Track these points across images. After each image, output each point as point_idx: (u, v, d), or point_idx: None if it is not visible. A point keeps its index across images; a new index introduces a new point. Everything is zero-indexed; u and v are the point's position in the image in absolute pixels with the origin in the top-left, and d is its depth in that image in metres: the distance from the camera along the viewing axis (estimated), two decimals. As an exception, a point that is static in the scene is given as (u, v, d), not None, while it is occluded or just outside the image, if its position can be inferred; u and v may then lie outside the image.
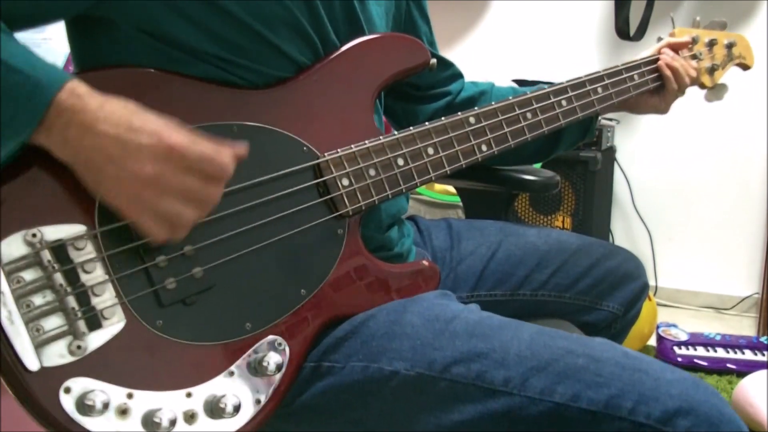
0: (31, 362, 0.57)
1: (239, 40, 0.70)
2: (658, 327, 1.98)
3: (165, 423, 0.60)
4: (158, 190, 0.59)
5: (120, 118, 0.58)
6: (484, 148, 0.85)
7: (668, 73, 1.03)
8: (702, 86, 1.12)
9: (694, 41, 1.09)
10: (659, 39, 1.09)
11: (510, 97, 0.88)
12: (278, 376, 0.68)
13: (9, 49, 0.57)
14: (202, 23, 0.69)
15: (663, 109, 1.06)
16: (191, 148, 0.59)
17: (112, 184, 0.59)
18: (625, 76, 1.00)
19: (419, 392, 0.69)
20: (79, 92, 0.58)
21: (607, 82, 0.98)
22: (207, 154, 0.60)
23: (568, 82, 0.94)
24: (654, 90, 1.05)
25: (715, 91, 1.12)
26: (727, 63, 1.12)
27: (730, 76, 1.14)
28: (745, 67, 1.16)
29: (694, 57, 1.09)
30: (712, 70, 1.10)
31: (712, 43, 1.10)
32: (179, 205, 0.60)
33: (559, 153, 1.08)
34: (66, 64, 1.44)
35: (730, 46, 1.12)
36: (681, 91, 1.06)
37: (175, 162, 0.59)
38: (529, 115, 0.89)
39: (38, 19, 0.66)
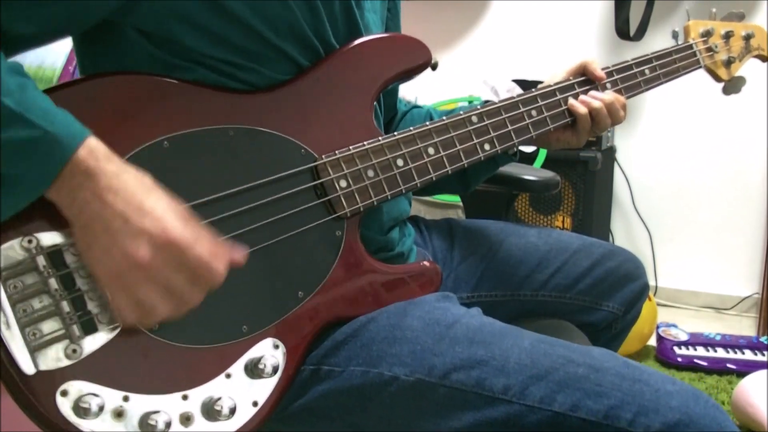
0: (28, 366, 0.58)
1: (243, 42, 0.70)
2: (658, 327, 1.98)
3: (161, 425, 0.60)
4: (143, 276, 0.58)
5: (132, 196, 0.58)
6: (487, 147, 0.84)
7: (583, 111, 0.91)
8: (718, 80, 1.09)
9: (709, 33, 1.06)
10: (674, 33, 1.06)
11: (514, 95, 0.87)
12: (275, 379, 0.67)
13: (26, 100, 0.56)
14: (205, 26, 0.68)
15: (576, 144, 0.95)
16: (191, 248, 0.59)
17: (101, 253, 0.58)
18: (636, 70, 0.98)
19: (418, 398, 0.68)
20: (97, 155, 0.57)
21: (616, 77, 0.96)
22: (204, 260, 0.59)
23: (574, 78, 0.93)
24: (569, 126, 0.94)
25: (733, 84, 1.09)
26: (744, 55, 1.10)
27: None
28: (764, 58, 1.13)
29: (709, 50, 1.06)
30: (728, 63, 1.07)
31: (728, 35, 1.07)
32: (158, 297, 0.59)
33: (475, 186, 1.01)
34: (66, 64, 1.43)
35: (747, 38, 1.09)
36: (599, 130, 0.93)
37: (170, 256, 0.58)
38: (534, 112, 0.88)
39: (67, 30, 0.67)
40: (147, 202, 0.58)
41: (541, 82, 0.95)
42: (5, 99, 0.54)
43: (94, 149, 0.57)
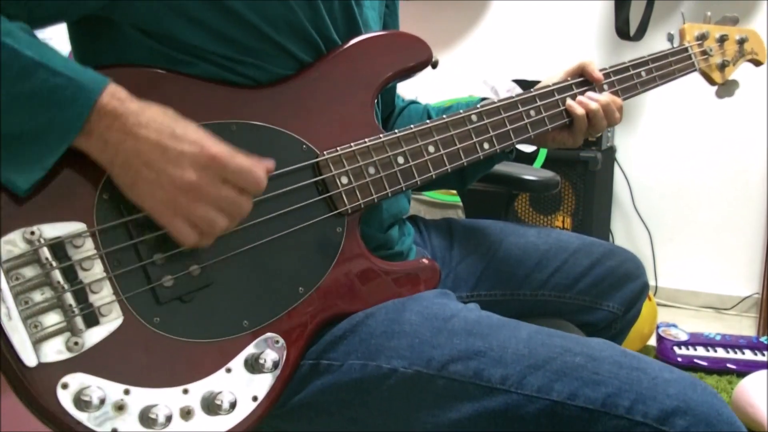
0: (29, 358, 0.58)
1: (244, 39, 0.71)
2: (658, 327, 1.98)
3: (161, 419, 0.60)
4: (194, 196, 0.60)
5: (161, 125, 0.60)
6: (486, 145, 0.84)
7: (580, 112, 0.91)
8: (712, 83, 1.10)
9: (704, 37, 1.07)
10: (670, 36, 1.08)
11: (514, 95, 0.88)
12: (275, 374, 0.68)
13: (47, 54, 0.58)
14: (205, 23, 0.69)
15: (572, 144, 0.95)
16: (231, 160, 0.61)
17: (147, 187, 0.60)
18: (632, 72, 0.99)
19: (417, 390, 0.69)
20: (120, 96, 0.59)
21: (613, 78, 0.97)
22: (245, 167, 0.62)
23: (572, 79, 0.94)
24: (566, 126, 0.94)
25: (726, 88, 1.10)
26: (738, 59, 1.11)
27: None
28: (757, 63, 1.14)
29: (704, 53, 1.07)
30: (722, 66, 1.09)
31: (722, 39, 1.08)
32: (213, 212, 0.62)
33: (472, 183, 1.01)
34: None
35: (741, 42, 1.10)
36: (595, 132, 0.94)
37: (214, 171, 0.61)
38: (532, 112, 0.89)
39: (59, 18, 0.68)
40: (177, 129, 0.60)
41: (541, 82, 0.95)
42: (26, 50, 0.56)
43: (115, 92, 0.59)
